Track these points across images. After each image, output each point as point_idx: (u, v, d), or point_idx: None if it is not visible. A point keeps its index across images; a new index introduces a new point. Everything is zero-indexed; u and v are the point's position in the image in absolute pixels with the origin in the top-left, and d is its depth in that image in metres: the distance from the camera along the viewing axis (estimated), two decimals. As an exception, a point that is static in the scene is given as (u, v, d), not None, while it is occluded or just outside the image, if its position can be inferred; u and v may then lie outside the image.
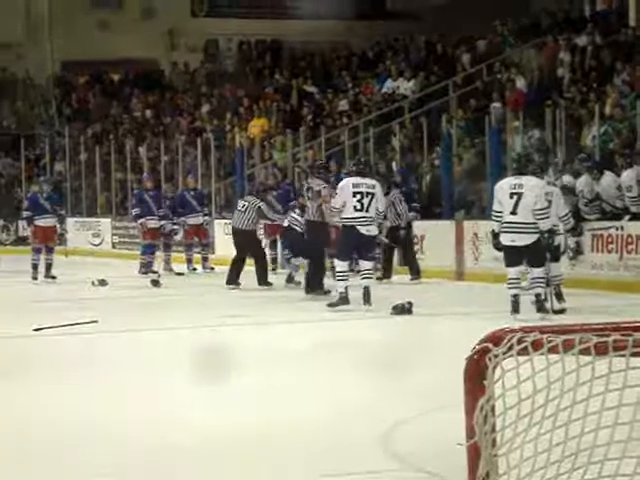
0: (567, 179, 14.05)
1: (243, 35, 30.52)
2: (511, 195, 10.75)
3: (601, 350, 2.10)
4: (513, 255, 10.86)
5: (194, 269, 18.07)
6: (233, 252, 19.85)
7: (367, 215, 11.89)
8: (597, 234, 13.70)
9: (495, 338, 2.17)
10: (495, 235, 11.07)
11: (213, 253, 19.12)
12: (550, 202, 11.06)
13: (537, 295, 10.86)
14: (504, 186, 10.94)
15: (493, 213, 11.02)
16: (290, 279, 14.99)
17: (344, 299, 11.83)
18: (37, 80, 31.26)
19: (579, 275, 13.42)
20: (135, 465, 5.17)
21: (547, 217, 10.86)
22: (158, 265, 17.33)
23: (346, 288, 11.87)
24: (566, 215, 11.65)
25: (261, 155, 22.51)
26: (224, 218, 21.21)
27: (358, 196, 11.90)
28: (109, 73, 31.12)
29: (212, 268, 18.23)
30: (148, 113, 28.21)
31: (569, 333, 2.13)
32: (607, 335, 2.11)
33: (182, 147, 24.17)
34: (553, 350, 2.11)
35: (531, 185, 10.82)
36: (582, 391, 2.14)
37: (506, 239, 10.82)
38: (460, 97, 20.14)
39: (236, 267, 14.89)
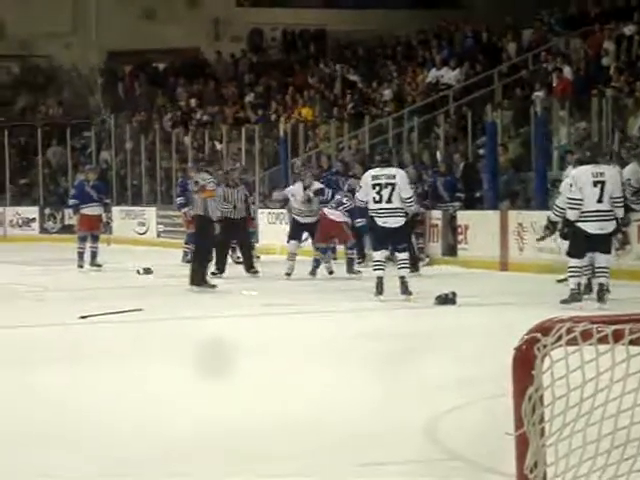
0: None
1: (287, 24, 30.53)
2: (595, 183, 10.69)
3: (651, 340, 2.08)
4: (589, 243, 10.77)
5: (238, 257, 18.12)
6: (276, 241, 19.99)
7: (387, 206, 11.75)
8: (644, 225, 13.58)
9: (544, 328, 2.16)
10: (570, 223, 10.96)
11: (257, 242, 19.16)
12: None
13: (601, 285, 10.80)
14: (585, 174, 10.85)
15: (572, 201, 10.76)
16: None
17: (379, 288, 11.81)
18: (83, 69, 31.48)
19: (624, 266, 13.31)
20: (178, 451, 5.20)
21: (623, 205, 10.95)
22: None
23: (380, 277, 11.83)
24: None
25: (305, 144, 22.53)
26: (268, 207, 21.27)
27: (377, 188, 11.79)
28: (154, 62, 31.27)
29: (258, 257, 18.28)
30: (193, 102, 28.33)
31: (619, 323, 2.11)
32: (657, 325, 2.09)
33: (227, 136, 24.26)
34: (602, 340, 2.09)
35: (612, 173, 10.98)
36: (631, 382, 2.13)
37: (594, 228, 10.69)
38: (505, 86, 20.05)
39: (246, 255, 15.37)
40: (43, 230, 27.33)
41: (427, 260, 16.25)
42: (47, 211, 27.51)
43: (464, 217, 16.52)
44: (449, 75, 21.79)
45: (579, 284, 10.85)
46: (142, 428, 5.67)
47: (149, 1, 30.12)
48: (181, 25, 29.63)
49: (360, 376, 7.13)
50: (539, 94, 18.28)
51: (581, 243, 10.81)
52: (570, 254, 11.01)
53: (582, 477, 2.18)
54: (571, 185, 10.88)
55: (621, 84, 17.44)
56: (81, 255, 16.96)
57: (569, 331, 2.10)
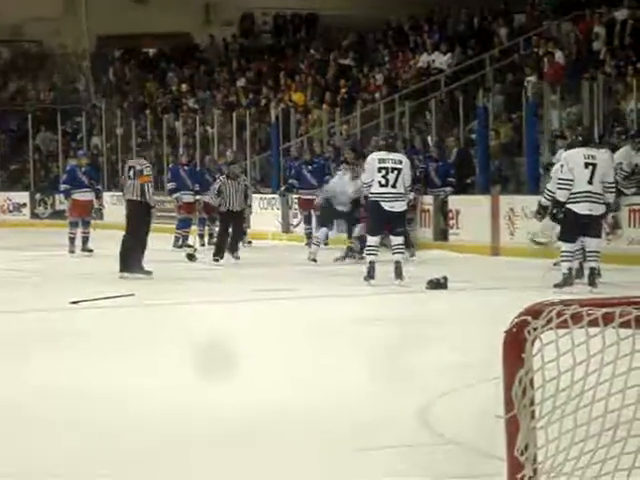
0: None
1: (279, 9, 30.44)
2: (586, 165, 10.73)
3: (642, 323, 2.08)
4: (579, 226, 10.78)
5: (250, 242, 18.12)
6: (266, 226, 19.99)
7: (392, 191, 11.74)
8: (634, 209, 13.61)
9: (534, 311, 2.16)
10: (561, 204, 10.97)
11: (249, 227, 19.17)
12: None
13: (592, 269, 10.85)
14: (577, 156, 10.87)
15: (562, 182, 10.81)
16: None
17: (371, 272, 11.82)
18: (74, 54, 31.39)
19: (616, 250, 13.35)
20: (172, 440, 5.20)
21: (614, 191, 11.02)
22: (194, 239, 17.40)
23: (372, 262, 11.83)
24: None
25: (296, 130, 22.50)
26: (260, 192, 21.26)
27: (383, 171, 11.76)
28: (145, 47, 31.19)
29: (250, 242, 18.30)
30: (184, 87, 28.27)
31: (609, 306, 2.12)
32: (647, 308, 2.09)
33: (218, 121, 24.22)
34: (593, 323, 2.10)
35: (604, 157, 11.05)
36: (622, 364, 2.13)
37: (583, 208, 10.72)
38: (497, 71, 20.03)
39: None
40: (34, 215, 27.29)
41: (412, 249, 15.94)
42: (38, 196, 27.46)
43: (455, 202, 16.53)
44: (440, 60, 21.77)
45: (571, 268, 10.88)
46: (134, 416, 5.66)
47: (140, -15, 30.04)
48: (172, 9, 29.53)
49: (352, 361, 7.14)
50: (531, 79, 18.27)
51: (572, 226, 10.84)
52: (562, 238, 11.05)
53: (573, 459, 2.19)
54: (562, 166, 10.91)
55: (612, 69, 17.43)
56: (72, 240, 16.95)
57: (559, 314, 2.11)
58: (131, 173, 13.25)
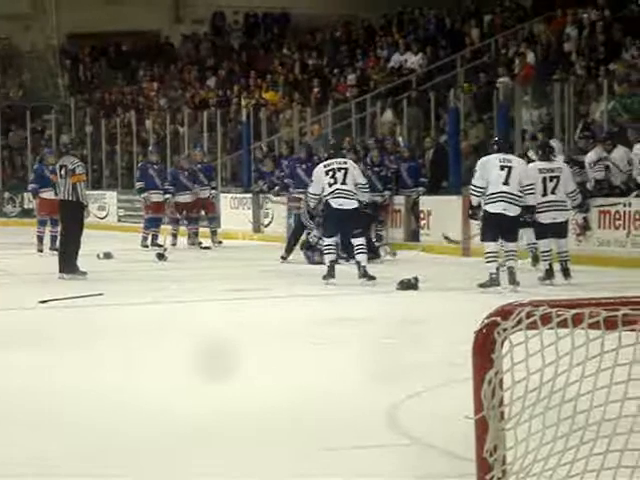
0: (573, 155, 14.10)
1: (250, 8, 30.38)
2: (502, 167, 10.89)
3: (610, 324, 2.08)
4: (497, 226, 10.89)
5: (200, 243, 18.07)
6: (239, 226, 19.94)
7: (342, 187, 11.86)
8: (604, 210, 13.67)
9: (504, 312, 2.16)
10: (474, 207, 11.20)
11: (219, 227, 19.12)
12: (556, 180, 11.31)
13: (511, 268, 10.95)
14: (491, 161, 11.05)
15: (474, 188, 11.10)
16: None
17: (331, 272, 11.82)
18: (43, 51, 31.21)
19: (586, 251, 13.40)
20: (149, 437, 5.17)
21: (534, 193, 11.10)
22: (163, 238, 17.33)
23: (332, 261, 11.85)
24: (574, 191, 11.71)
25: (267, 129, 22.47)
26: (230, 192, 21.22)
27: (330, 172, 11.97)
28: (115, 45, 31.06)
29: (220, 242, 18.24)
30: (154, 85, 28.17)
31: (578, 307, 2.12)
32: (616, 309, 2.09)
33: (188, 120, 24.15)
34: (562, 324, 2.10)
35: (518, 162, 11.20)
36: (591, 365, 2.13)
37: (497, 207, 10.87)
38: (468, 71, 20.08)
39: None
40: (2, 214, 27.13)
41: (388, 249, 15.78)
42: (6, 195, 27.30)
43: (426, 202, 16.54)
44: (412, 60, 21.80)
45: (498, 268, 10.93)
46: (99, 417, 5.63)
47: (110, -17, 29.92)
48: (142, 7, 29.44)
49: (321, 362, 7.13)
50: (503, 80, 18.30)
51: (490, 226, 10.98)
52: (483, 239, 11.21)
53: (541, 460, 2.18)
54: (476, 172, 11.08)
55: (582, 70, 17.50)
56: (40, 239, 16.86)
57: (529, 315, 2.10)
58: (62, 172, 12.98)
